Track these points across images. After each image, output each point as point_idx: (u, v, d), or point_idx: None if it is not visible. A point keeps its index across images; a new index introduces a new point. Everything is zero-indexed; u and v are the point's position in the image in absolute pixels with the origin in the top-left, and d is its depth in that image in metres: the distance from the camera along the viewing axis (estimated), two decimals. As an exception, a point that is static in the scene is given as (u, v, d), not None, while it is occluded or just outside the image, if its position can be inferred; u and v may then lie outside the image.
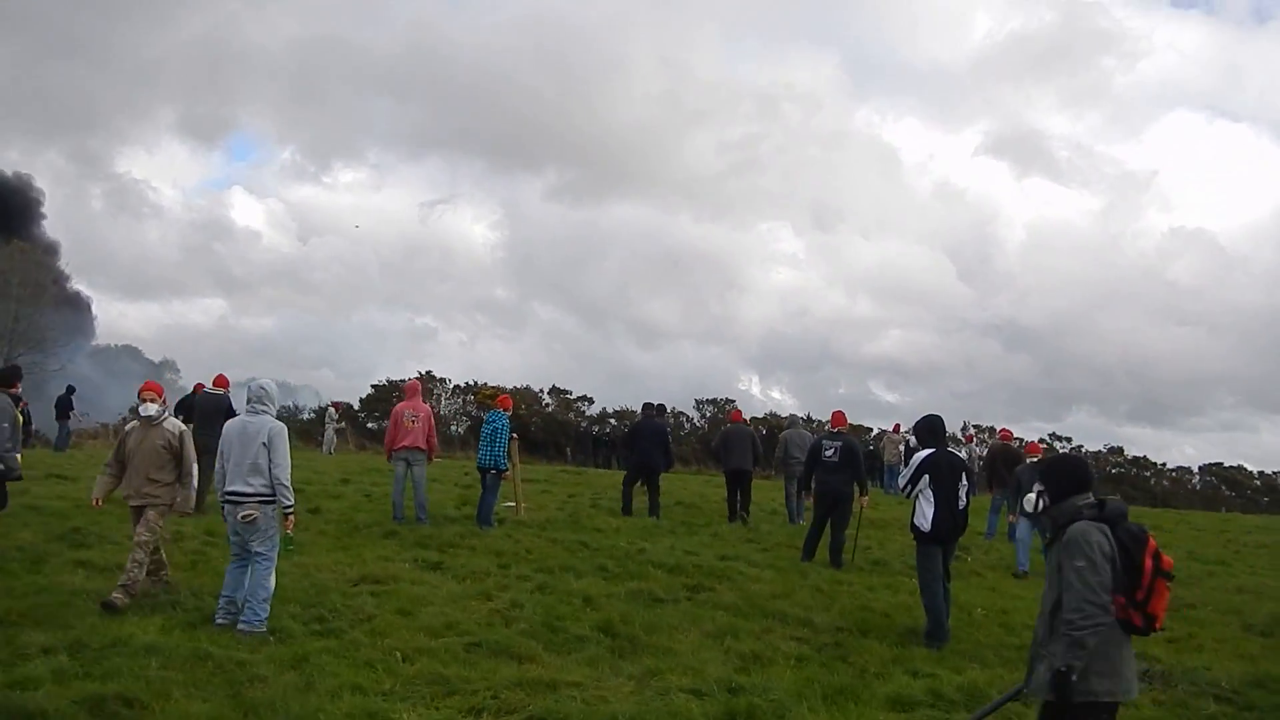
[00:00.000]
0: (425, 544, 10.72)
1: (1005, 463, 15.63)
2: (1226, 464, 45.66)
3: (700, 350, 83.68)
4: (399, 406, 12.96)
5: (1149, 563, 4.10)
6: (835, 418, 12.40)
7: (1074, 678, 4.02)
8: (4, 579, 7.82)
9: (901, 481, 8.37)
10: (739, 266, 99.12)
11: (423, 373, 40.56)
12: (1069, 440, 45.30)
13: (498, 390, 42.28)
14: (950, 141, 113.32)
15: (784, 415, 43.07)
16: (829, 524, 11.57)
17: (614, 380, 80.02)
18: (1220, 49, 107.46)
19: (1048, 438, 45.27)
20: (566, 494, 17.80)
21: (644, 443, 14.84)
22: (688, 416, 44.22)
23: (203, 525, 10.56)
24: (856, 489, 11.52)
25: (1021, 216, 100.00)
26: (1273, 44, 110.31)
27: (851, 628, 8.21)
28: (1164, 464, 45.81)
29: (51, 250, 50.33)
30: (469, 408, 41.88)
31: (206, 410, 12.20)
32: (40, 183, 57.37)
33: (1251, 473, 45.07)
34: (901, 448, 24.08)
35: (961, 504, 8.11)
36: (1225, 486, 43.88)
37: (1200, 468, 45.66)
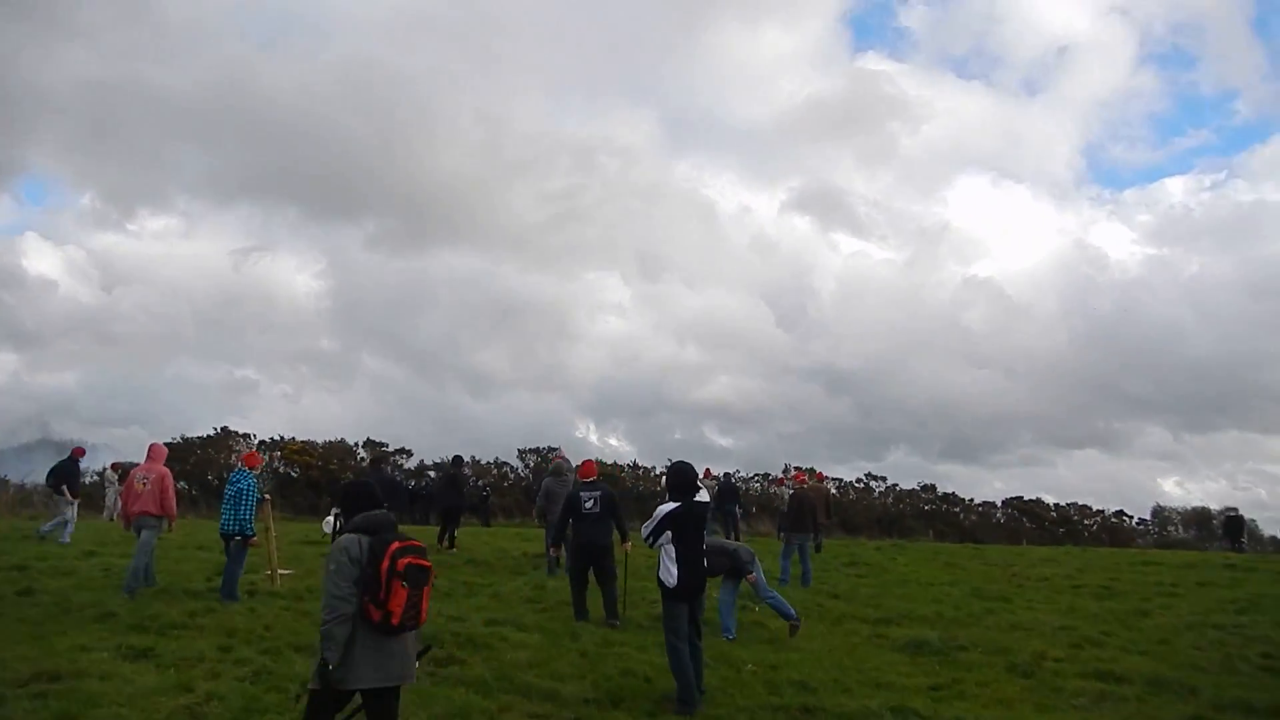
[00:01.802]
0: (144, 626, 9.43)
1: (808, 507, 15.58)
2: (1026, 497, 48.00)
3: (534, 399, 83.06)
4: (134, 470, 11.91)
5: (385, 565, 4.73)
6: (585, 467, 12.04)
7: (331, 668, 4.72)
8: None
9: (644, 532, 7.78)
10: (568, 315, 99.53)
11: (219, 429, 37.99)
12: (884, 479, 46.78)
13: (306, 445, 40.30)
14: (762, 197, 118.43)
15: (622, 464, 42.79)
16: (597, 579, 11.11)
17: (447, 430, 78.05)
18: (999, 117, 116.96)
19: (864, 477, 46.68)
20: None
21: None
22: (511, 466, 43.04)
23: None
24: (618, 538, 11.22)
25: (830, 267, 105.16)
26: (1043, 113, 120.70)
27: (603, 698, 7.54)
28: (971, 499, 47.77)
29: None
30: (277, 464, 39.51)
31: None
32: None
33: (1049, 505, 47.54)
34: (710, 493, 23.88)
35: (702, 557, 7.70)
36: (1026, 519, 45.98)
37: (1003, 502, 47.81)
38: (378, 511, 5.07)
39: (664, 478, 8.13)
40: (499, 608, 11.47)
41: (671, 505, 7.65)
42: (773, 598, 10.46)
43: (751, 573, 10.17)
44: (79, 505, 18.05)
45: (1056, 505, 47.76)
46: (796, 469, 40.42)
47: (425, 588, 4.85)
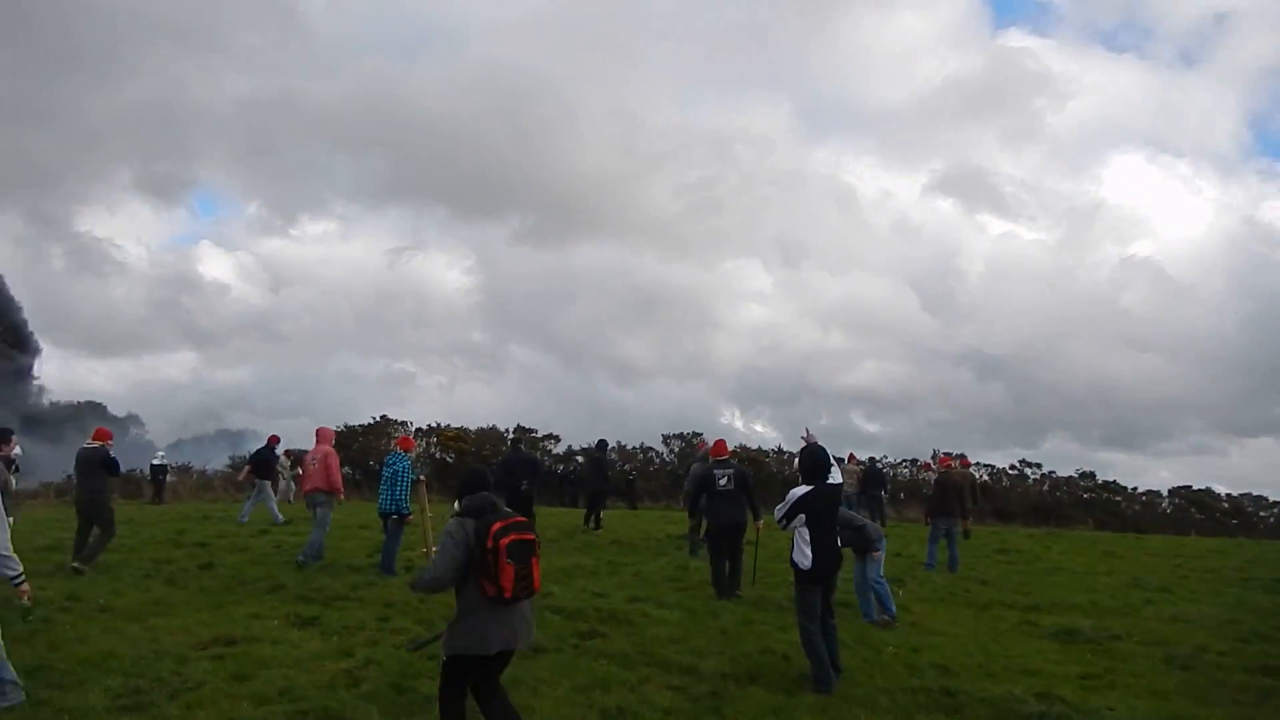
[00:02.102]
0: (310, 598, 10.08)
1: (953, 490, 15.24)
2: (1195, 486, 45.33)
3: (678, 387, 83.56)
4: (308, 453, 13.00)
5: (490, 545, 5.01)
6: (718, 446, 12.15)
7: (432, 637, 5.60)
8: None
9: (778, 515, 7.75)
10: (710, 304, 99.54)
11: (378, 418, 39.76)
12: (1039, 466, 45.01)
13: (461, 431, 41.75)
14: (903, 180, 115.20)
15: (767, 449, 42.65)
16: (728, 554, 11.37)
17: (594, 417, 79.45)
18: (1155, 89, 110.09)
19: (1018, 463, 45.05)
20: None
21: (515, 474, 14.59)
22: (656, 451, 43.44)
23: (67, 589, 9.93)
24: (750, 516, 11.42)
25: (977, 249, 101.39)
26: (1202, 84, 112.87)
27: (741, 674, 7.61)
28: (1135, 488, 45.46)
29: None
30: (433, 450, 41.11)
31: (81, 464, 11.64)
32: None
33: (1220, 495, 44.77)
34: (855, 477, 23.69)
35: (840, 541, 7.73)
36: (1195, 509, 43.45)
37: (1170, 491, 45.28)
38: (481, 494, 5.35)
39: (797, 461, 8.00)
40: (641, 586, 11.70)
41: (804, 488, 7.62)
42: (881, 584, 10.24)
43: (878, 550, 10.10)
44: (269, 486, 19.47)
45: (1229, 495, 44.91)
46: (944, 454, 39.52)
47: (533, 559, 5.16)
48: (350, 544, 14.77)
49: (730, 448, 12.62)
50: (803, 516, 7.53)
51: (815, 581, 7.54)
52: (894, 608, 10.17)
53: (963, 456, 24.63)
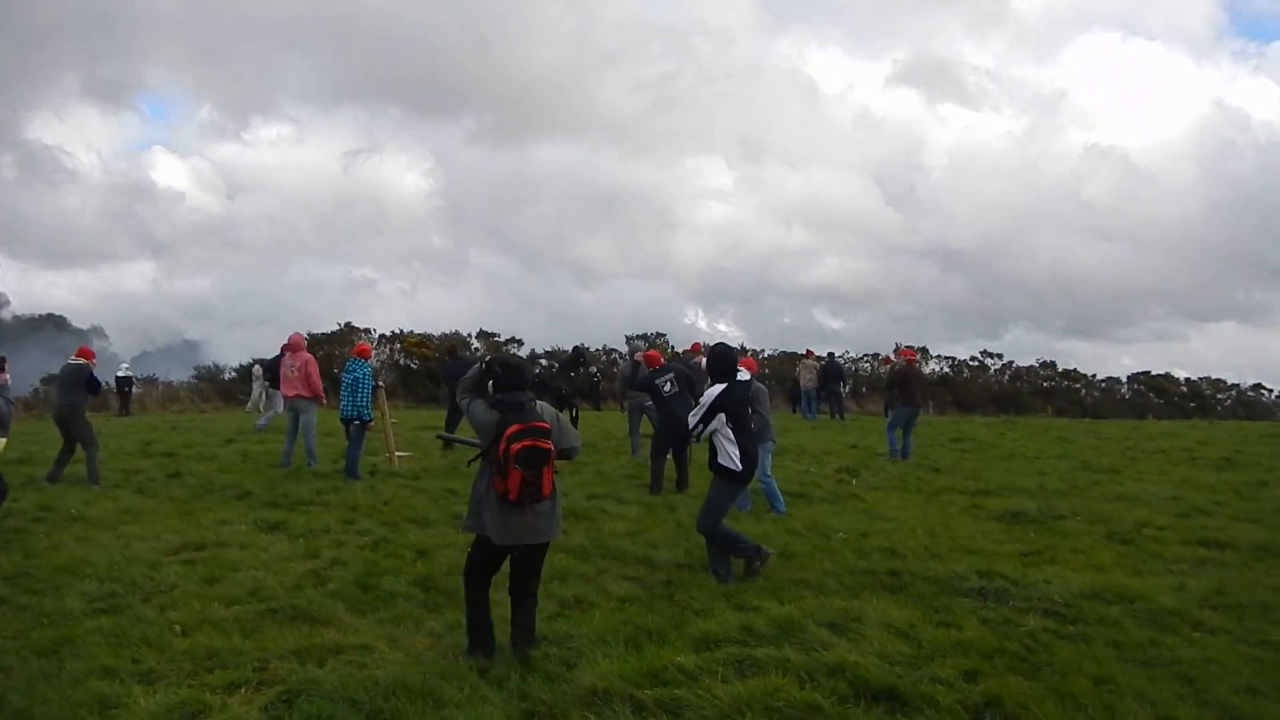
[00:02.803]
0: (277, 503, 10.26)
1: (906, 383, 15.54)
2: (1155, 372, 46.34)
3: (641, 287, 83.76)
4: (282, 360, 13.28)
5: (501, 447, 5.17)
6: (649, 358, 12.68)
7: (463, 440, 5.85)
8: None
9: (693, 420, 7.53)
10: (670, 202, 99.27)
11: (342, 325, 39.67)
12: (999, 356, 45.78)
13: (424, 338, 41.74)
14: (865, 72, 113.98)
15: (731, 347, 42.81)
16: (674, 455, 11.76)
17: (559, 321, 79.82)
18: None
19: (979, 355, 45.77)
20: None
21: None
22: (620, 353, 43.71)
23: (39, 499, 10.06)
24: None
25: (940, 142, 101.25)
26: None
27: (695, 563, 7.88)
28: (1094, 375, 46.41)
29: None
30: (397, 357, 41.16)
31: (64, 381, 11.73)
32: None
33: (1178, 380, 45.85)
34: (813, 373, 24.07)
35: (754, 437, 7.71)
36: (1154, 395, 44.53)
37: (1129, 377, 46.32)
38: (515, 393, 5.40)
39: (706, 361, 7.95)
40: (601, 484, 11.97)
41: (719, 387, 7.37)
42: (768, 481, 10.38)
43: (766, 448, 10.14)
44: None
45: (1187, 380, 46.08)
46: (906, 347, 40.08)
47: (544, 468, 5.20)
48: (320, 450, 14.90)
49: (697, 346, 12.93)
50: (723, 416, 7.31)
51: (744, 483, 7.52)
52: (783, 508, 10.26)
53: (909, 348, 24.95)
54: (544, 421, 5.33)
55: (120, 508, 10.05)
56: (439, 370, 16.56)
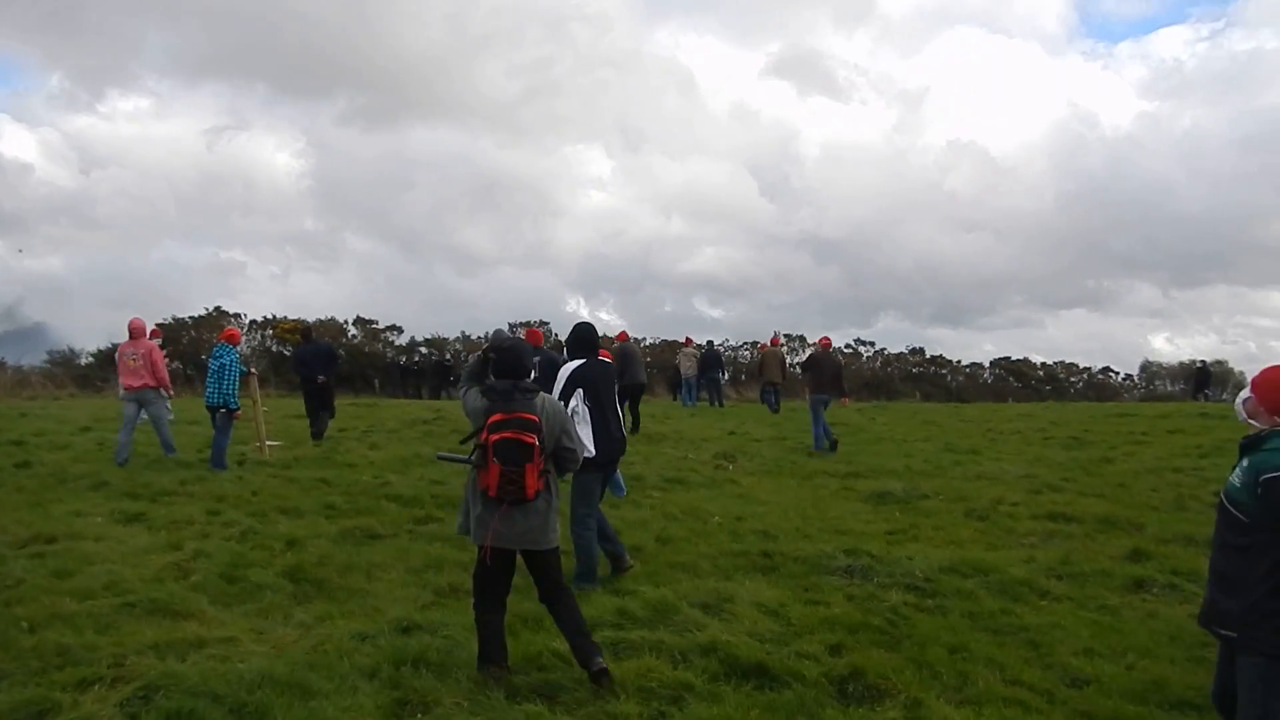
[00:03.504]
0: (137, 494, 9.81)
1: (826, 370, 15.40)
2: (1014, 358, 48.65)
3: (522, 275, 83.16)
4: (121, 347, 12.22)
5: (483, 436, 4.77)
6: (531, 335, 13.38)
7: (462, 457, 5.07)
8: None
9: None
10: (550, 190, 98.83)
11: (211, 309, 38.16)
12: (872, 344, 47.31)
13: (298, 323, 40.50)
14: (741, 63, 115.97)
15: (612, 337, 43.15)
16: None
17: (439, 309, 78.41)
18: None
19: (853, 342, 47.16)
20: (338, 427, 16.93)
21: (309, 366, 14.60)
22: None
23: None
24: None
25: (812, 134, 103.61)
26: None
27: (565, 547, 7.88)
28: (959, 361, 48.45)
29: None
30: (270, 343, 39.84)
31: None
32: None
33: (1035, 364, 48.28)
34: (693, 360, 24.44)
35: (620, 419, 7.26)
36: (1013, 379, 46.76)
37: (991, 362, 48.51)
38: (506, 380, 4.93)
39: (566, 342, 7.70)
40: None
41: (577, 362, 7.00)
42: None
43: None
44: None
45: (1044, 364, 48.55)
46: (785, 336, 40.93)
47: (528, 464, 4.67)
48: (180, 439, 14.25)
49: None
50: (580, 393, 6.85)
51: (600, 468, 6.99)
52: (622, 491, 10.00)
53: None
54: (532, 413, 4.78)
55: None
56: (291, 353, 16.03)
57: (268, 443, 12.93)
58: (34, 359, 33.93)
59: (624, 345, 17.72)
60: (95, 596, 6.29)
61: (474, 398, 4.99)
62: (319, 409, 14.79)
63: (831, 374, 15.31)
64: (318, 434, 14.67)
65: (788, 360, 30.40)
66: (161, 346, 13.13)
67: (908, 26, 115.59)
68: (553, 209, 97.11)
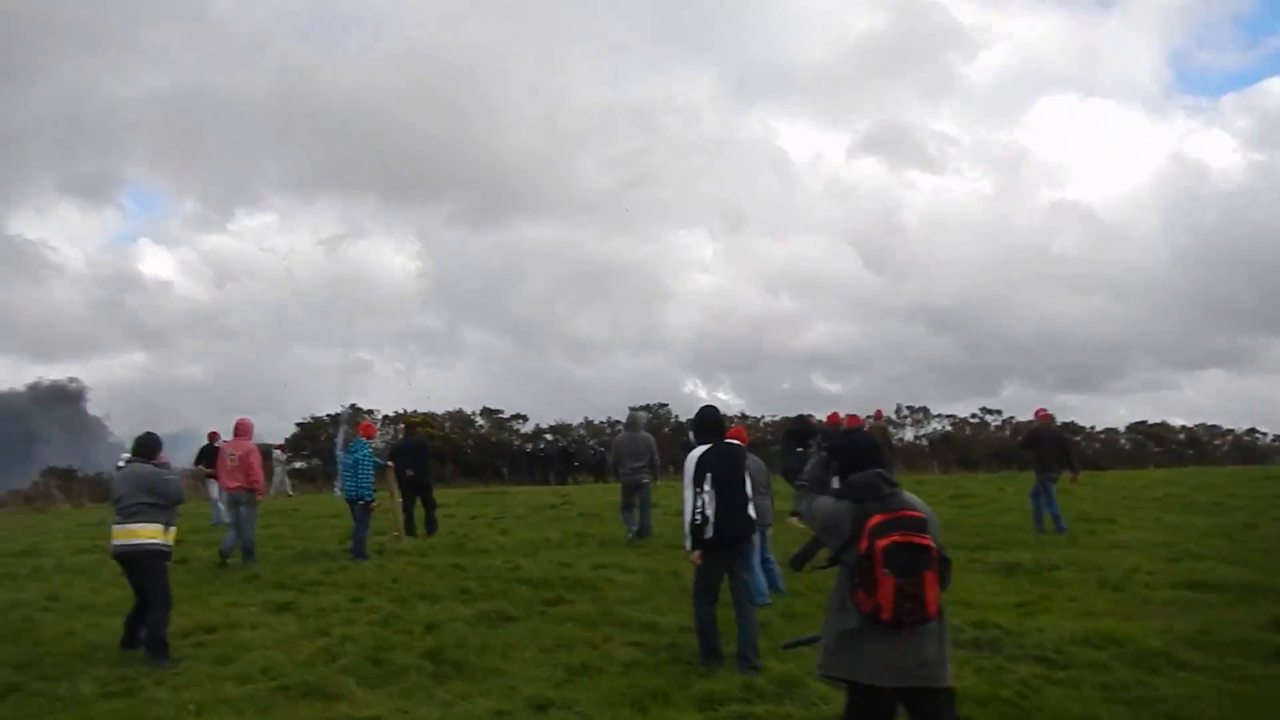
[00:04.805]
0: (285, 584, 10.41)
1: (1038, 444, 14.35)
2: (1151, 421, 46.57)
3: (636, 360, 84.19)
4: (224, 445, 12.40)
5: (864, 545, 3.91)
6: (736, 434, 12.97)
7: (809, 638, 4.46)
8: None
9: (685, 484, 7.04)
10: (656, 276, 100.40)
11: (346, 406, 39.84)
12: (999, 413, 45.97)
13: (428, 417, 41.96)
14: (830, 141, 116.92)
15: (731, 415, 43.33)
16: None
17: (555, 397, 79.89)
18: (1072, 34, 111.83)
19: (979, 411, 45.97)
20: (469, 514, 17.51)
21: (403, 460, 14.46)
22: (623, 423, 43.87)
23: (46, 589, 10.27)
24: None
25: (910, 205, 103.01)
26: (1121, 24, 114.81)
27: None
28: (1093, 427, 46.62)
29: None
30: (400, 437, 41.34)
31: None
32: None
33: (1175, 428, 46.09)
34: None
35: (749, 501, 7.12)
36: (1152, 444, 44.70)
37: (1127, 427, 46.53)
38: (870, 471, 4.16)
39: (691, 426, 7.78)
40: (606, 553, 12.13)
41: (704, 447, 7.06)
42: (770, 563, 9.56)
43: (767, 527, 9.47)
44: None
45: (1184, 427, 46.29)
46: (908, 409, 40.23)
47: (926, 572, 3.83)
48: (323, 532, 15.09)
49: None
50: (710, 476, 6.85)
51: (717, 549, 6.95)
52: (783, 587, 9.63)
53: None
54: (918, 510, 4.01)
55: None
56: (389, 447, 16.36)
57: (403, 534, 13.48)
58: (183, 461, 36.01)
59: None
60: (253, 680, 6.77)
61: (828, 504, 4.23)
62: (415, 501, 14.79)
63: (1057, 448, 14.19)
64: (410, 527, 14.31)
65: (892, 436, 29.79)
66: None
67: (994, 95, 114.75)
68: (661, 293, 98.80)
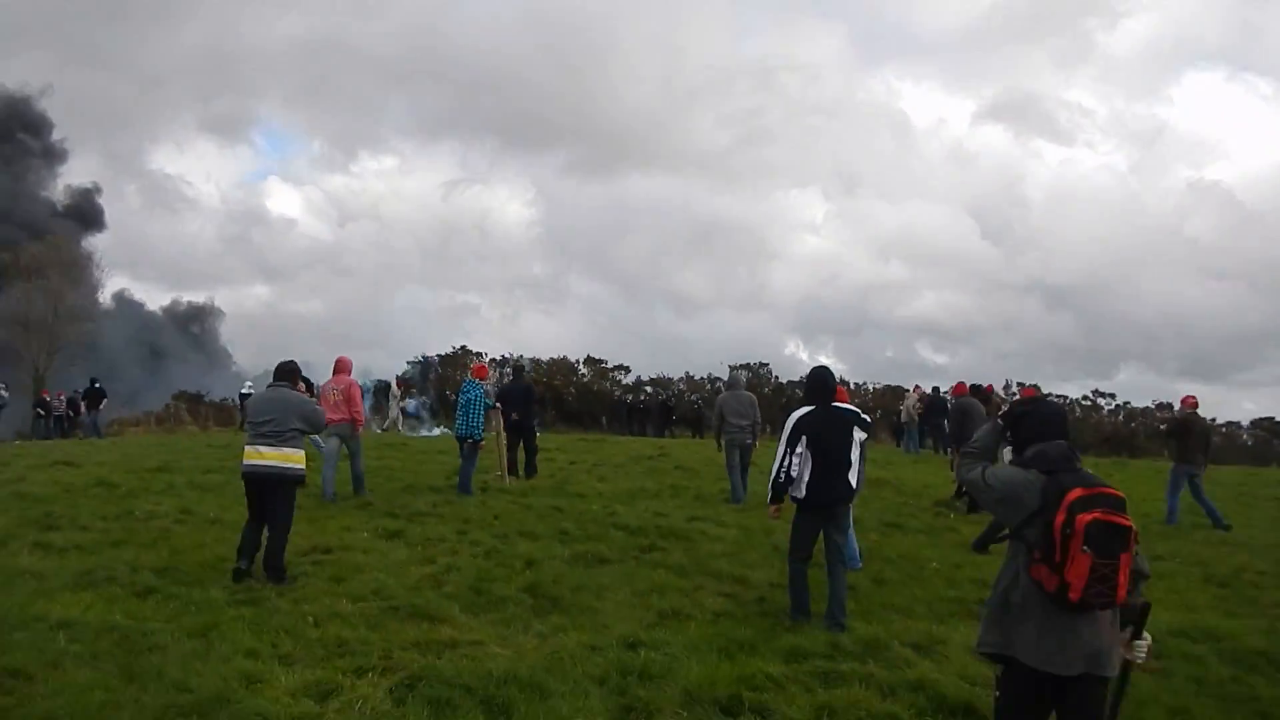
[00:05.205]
0: (395, 514, 10.93)
1: (1184, 434, 13.63)
2: (1278, 418, 44.33)
3: (739, 318, 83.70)
4: (325, 384, 12.78)
5: (1059, 520, 3.66)
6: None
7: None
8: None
9: (780, 449, 7.08)
10: (765, 235, 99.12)
11: (457, 348, 41.02)
12: (1112, 397, 44.46)
13: (534, 361, 42.83)
14: (955, 107, 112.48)
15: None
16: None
17: (656, 350, 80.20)
18: (1228, 6, 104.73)
19: (1091, 394, 44.54)
20: (569, 460, 17.94)
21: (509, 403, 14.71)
22: (724, 382, 43.91)
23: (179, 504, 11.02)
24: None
25: (1035, 176, 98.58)
26: None
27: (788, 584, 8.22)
28: (1214, 419, 44.61)
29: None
30: (506, 379, 42.29)
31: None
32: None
33: (1305, 426, 43.75)
34: (914, 406, 24.16)
35: (852, 466, 7.05)
36: (1276, 441, 42.62)
37: (1251, 422, 44.43)
38: (1056, 442, 3.86)
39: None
40: (700, 507, 12.35)
41: (805, 409, 7.11)
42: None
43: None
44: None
45: (1315, 427, 43.92)
46: (1019, 385, 39.25)
47: (1123, 554, 3.53)
48: (430, 467, 15.68)
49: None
50: (805, 439, 6.94)
51: (810, 510, 7.07)
52: (859, 562, 9.20)
53: (1190, 396, 23.70)
54: (1115, 489, 3.69)
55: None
56: (496, 389, 16.36)
57: (507, 474, 13.94)
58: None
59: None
60: (365, 599, 7.22)
61: (1012, 473, 3.90)
62: (517, 443, 15.08)
63: (1202, 441, 13.58)
64: (512, 468, 14.49)
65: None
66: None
67: (1136, 65, 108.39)
68: (768, 253, 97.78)
